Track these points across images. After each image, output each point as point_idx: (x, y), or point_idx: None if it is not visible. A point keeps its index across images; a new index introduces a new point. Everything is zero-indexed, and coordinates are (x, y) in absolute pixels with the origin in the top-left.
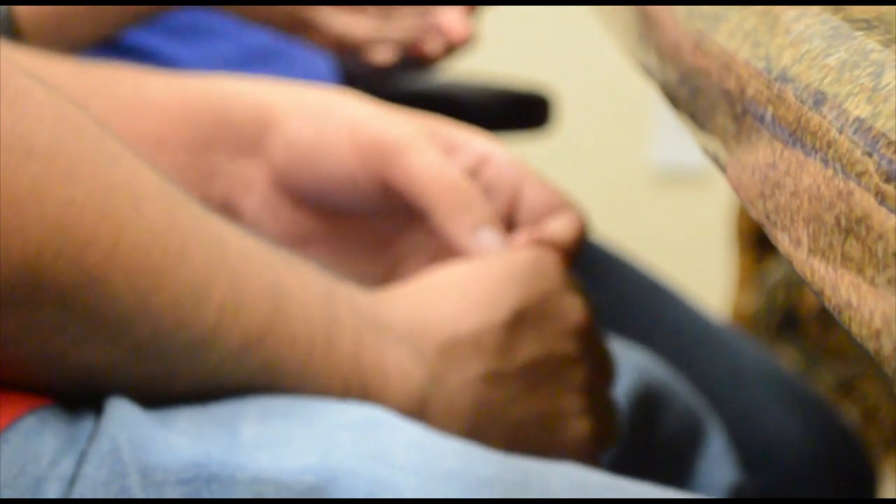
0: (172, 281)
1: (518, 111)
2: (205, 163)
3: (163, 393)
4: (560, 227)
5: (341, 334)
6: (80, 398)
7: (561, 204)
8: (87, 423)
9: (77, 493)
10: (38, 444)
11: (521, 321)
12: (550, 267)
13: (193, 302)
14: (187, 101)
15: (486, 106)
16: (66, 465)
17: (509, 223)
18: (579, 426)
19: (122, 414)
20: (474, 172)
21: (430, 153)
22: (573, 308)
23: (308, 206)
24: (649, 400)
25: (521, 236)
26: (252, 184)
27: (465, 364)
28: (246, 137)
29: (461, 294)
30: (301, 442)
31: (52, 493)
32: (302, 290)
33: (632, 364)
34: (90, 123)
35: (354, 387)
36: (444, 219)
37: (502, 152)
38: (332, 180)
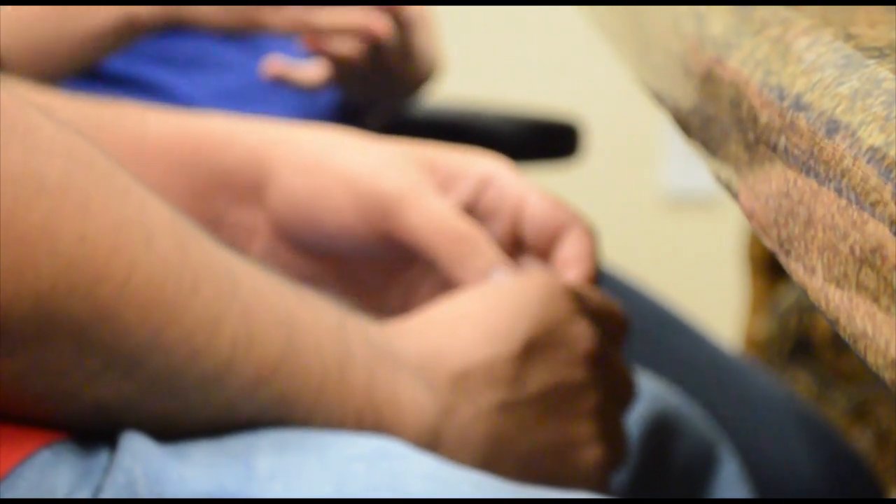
0: (185, 315)
1: (547, 141)
2: (207, 210)
3: (176, 428)
4: (572, 252)
5: (354, 367)
6: (93, 432)
7: (567, 219)
8: (101, 457)
9: None
10: (54, 478)
11: (532, 350)
12: (559, 293)
13: (206, 336)
14: (184, 145)
15: (514, 135)
16: (84, 498)
17: (516, 241)
18: (591, 453)
19: (137, 447)
20: (476, 197)
21: (428, 203)
22: (583, 334)
23: (312, 251)
24: (663, 428)
25: (534, 268)
26: (255, 231)
27: (478, 395)
28: (242, 187)
29: (472, 325)
30: (315, 473)
31: None
32: (314, 324)
33: (645, 392)
34: (100, 157)
35: (367, 419)
36: (454, 268)
37: (503, 170)
38: (333, 232)
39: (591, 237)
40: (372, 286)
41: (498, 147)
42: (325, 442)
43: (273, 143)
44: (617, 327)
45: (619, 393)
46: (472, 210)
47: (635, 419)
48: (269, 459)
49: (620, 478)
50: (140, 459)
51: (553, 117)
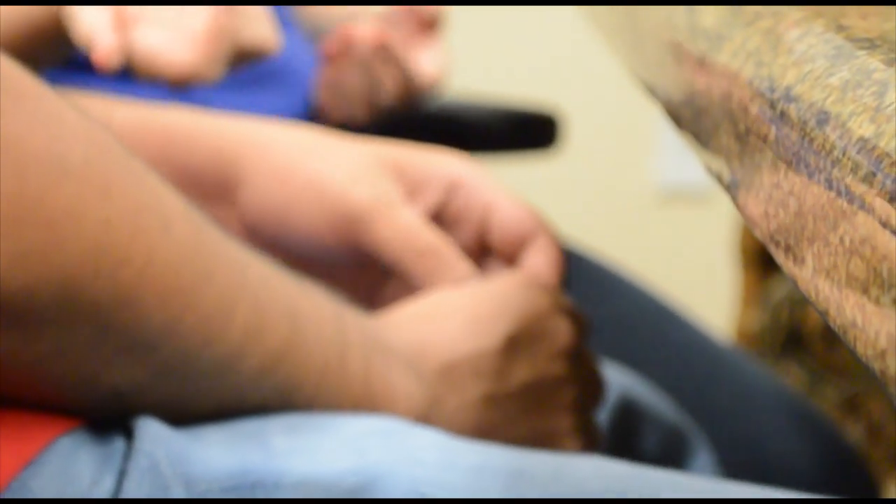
0: (200, 301)
1: (526, 132)
2: None
3: (184, 415)
4: (538, 260)
5: (352, 356)
6: (105, 419)
7: (534, 227)
8: (117, 443)
9: None
10: (76, 465)
11: (514, 345)
12: (538, 291)
13: (219, 322)
14: (150, 140)
15: (494, 127)
16: (106, 484)
17: (482, 246)
18: (571, 445)
19: (155, 431)
20: (444, 201)
21: (397, 216)
22: (562, 330)
23: (284, 252)
24: (630, 415)
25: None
26: (227, 227)
27: (463, 387)
28: (211, 185)
29: (456, 319)
30: (333, 449)
31: None
32: (315, 314)
33: (613, 382)
34: (116, 144)
35: (364, 407)
36: (424, 282)
37: (471, 174)
38: (303, 239)
39: (557, 246)
40: (343, 285)
41: (477, 138)
42: (333, 422)
43: (242, 144)
44: (584, 327)
45: (591, 389)
46: (440, 214)
47: (603, 406)
48: (284, 438)
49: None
50: (160, 442)
51: (532, 108)
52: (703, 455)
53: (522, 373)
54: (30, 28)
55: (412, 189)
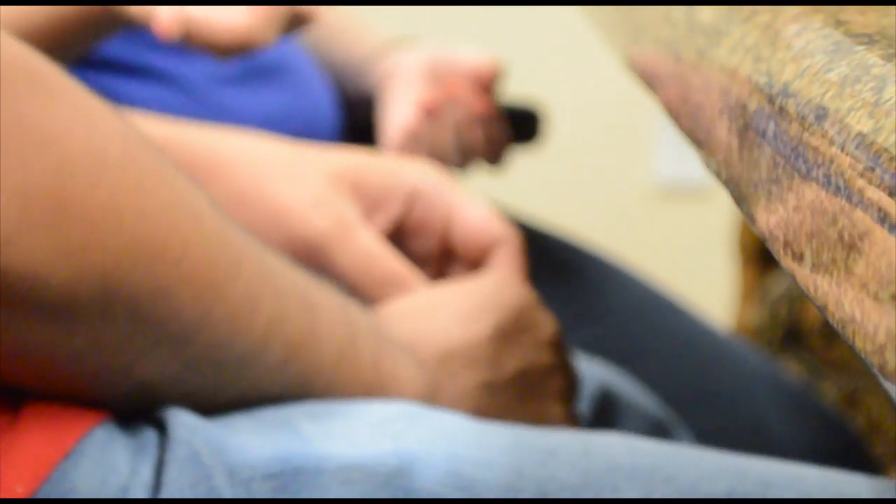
0: (230, 293)
1: (510, 126)
2: None
3: (208, 405)
4: (501, 268)
5: (361, 344)
6: (135, 412)
7: (497, 233)
8: (147, 433)
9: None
10: (113, 455)
11: (503, 335)
12: (518, 285)
13: (246, 314)
14: None
15: None
16: (144, 474)
17: (446, 253)
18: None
19: (188, 421)
20: (405, 213)
21: (356, 243)
22: (545, 321)
23: None
24: (610, 407)
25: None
26: None
27: (460, 375)
28: None
29: (446, 314)
30: (366, 433)
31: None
32: (326, 303)
33: (592, 375)
34: (147, 140)
35: (375, 392)
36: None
37: (432, 182)
38: None
39: (521, 251)
40: None
41: None
42: (354, 409)
43: (203, 163)
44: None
45: (570, 381)
46: (402, 225)
47: (584, 398)
48: (312, 425)
49: None
50: (197, 432)
51: (515, 103)
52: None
53: (514, 361)
54: (55, 25)
55: (373, 203)
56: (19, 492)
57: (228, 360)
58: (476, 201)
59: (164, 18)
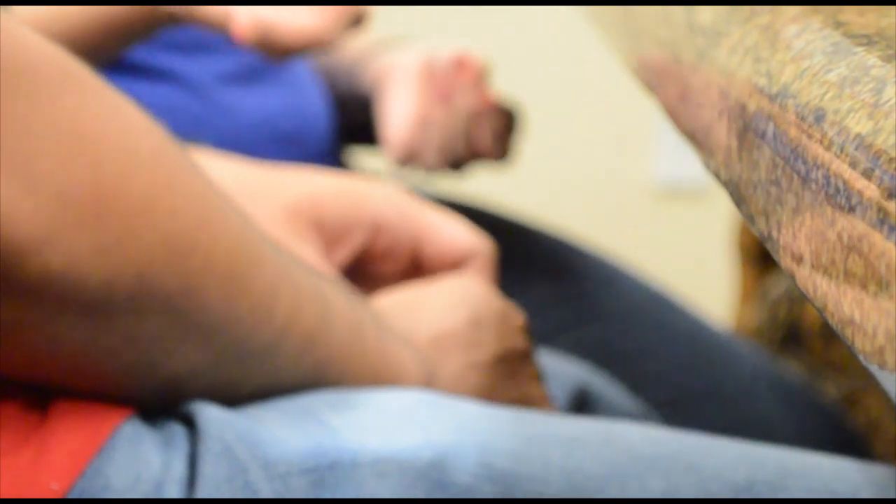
0: (253, 285)
1: None
2: None
3: (229, 397)
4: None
5: (368, 332)
6: (159, 407)
7: (467, 250)
8: (175, 428)
9: (201, 494)
10: (144, 450)
11: (479, 322)
12: (482, 284)
13: (267, 306)
14: None
15: None
16: (178, 468)
17: (418, 270)
18: (548, 411)
19: (217, 415)
20: (370, 242)
21: None
22: (513, 310)
23: None
24: (588, 406)
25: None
26: None
27: (449, 357)
28: None
29: (424, 305)
30: (393, 424)
31: (174, 496)
32: (334, 293)
33: (568, 373)
34: (171, 137)
35: (384, 378)
36: None
37: (395, 207)
38: None
39: (491, 262)
40: None
41: None
42: (371, 399)
43: None
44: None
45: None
46: (368, 253)
47: (561, 396)
48: (337, 417)
49: None
50: (228, 425)
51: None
52: None
53: (493, 344)
54: (103, 24)
55: (334, 236)
56: (55, 488)
57: (251, 351)
58: (445, 219)
59: (242, 21)
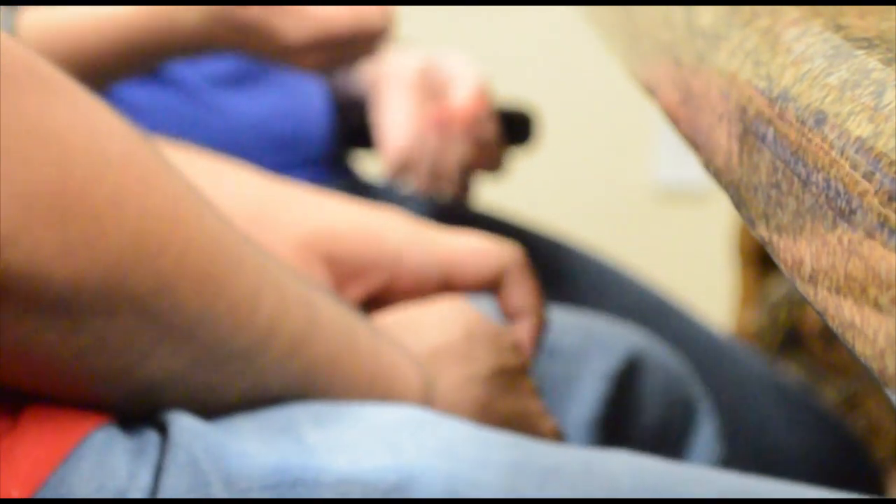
0: (231, 288)
1: (503, 129)
2: None
3: (213, 403)
4: (516, 297)
5: (360, 338)
6: (137, 414)
7: (500, 265)
8: (148, 436)
9: None
10: (112, 458)
11: (473, 337)
12: (470, 306)
13: (248, 308)
14: None
15: None
16: (143, 479)
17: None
18: (547, 425)
19: (189, 426)
20: (390, 283)
21: None
22: (504, 329)
23: None
24: (637, 376)
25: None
26: None
27: (447, 369)
28: None
29: (420, 322)
30: (367, 443)
31: None
32: (323, 300)
33: (618, 338)
34: (147, 139)
35: (378, 386)
36: None
37: (415, 246)
38: None
39: (527, 272)
40: None
41: None
42: (360, 413)
43: None
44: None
45: None
46: (391, 290)
47: (606, 370)
48: (316, 432)
49: (592, 411)
50: (198, 436)
51: (507, 106)
52: (706, 427)
53: (489, 359)
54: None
55: (349, 273)
56: (15, 495)
57: (232, 354)
58: (469, 243)
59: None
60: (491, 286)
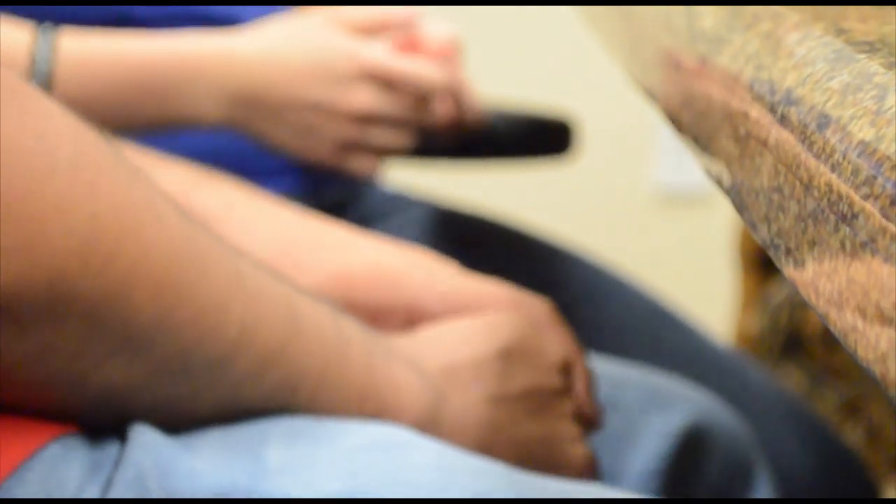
0: (194, 297)
1: (541, 138)
2: None
3: (185, 415)
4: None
5: (352, 352)
6: (104, 425)
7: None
8: (111, 450)
9: None
10: (64, 472)
11: (510, 355)
12: (528, 318)
13: (214, 318)
14: None
15: (509, 132)
16: (92, 492)
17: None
18: (576, 451)
19: (146, 440)
20: (407, 327)
21: None
22: (553, 346)
23: None
24: (699, 444)
25: None
26: None
27: (467, 386)
28: None
29: (453, 334)
30: (326, 466)
31: None
32: (311, 311)
33: (682, 401)
34: (105, 144)
35: (370, 401)
36: None
37: (431, 292)
38: None
39: (569, 336)
40: None
41: (493, 143)
42: (334, 432)
43: None
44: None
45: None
46: (410, 329)
47: (669, 429)
48: (280, 452)
49: (652, 464)
50: (150, 452)
51: (548, 115)
52: (762, 492)
53: (521, 379)
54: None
55: (366, 316)
56: None
57: (197, 365)
58: (489, 291)
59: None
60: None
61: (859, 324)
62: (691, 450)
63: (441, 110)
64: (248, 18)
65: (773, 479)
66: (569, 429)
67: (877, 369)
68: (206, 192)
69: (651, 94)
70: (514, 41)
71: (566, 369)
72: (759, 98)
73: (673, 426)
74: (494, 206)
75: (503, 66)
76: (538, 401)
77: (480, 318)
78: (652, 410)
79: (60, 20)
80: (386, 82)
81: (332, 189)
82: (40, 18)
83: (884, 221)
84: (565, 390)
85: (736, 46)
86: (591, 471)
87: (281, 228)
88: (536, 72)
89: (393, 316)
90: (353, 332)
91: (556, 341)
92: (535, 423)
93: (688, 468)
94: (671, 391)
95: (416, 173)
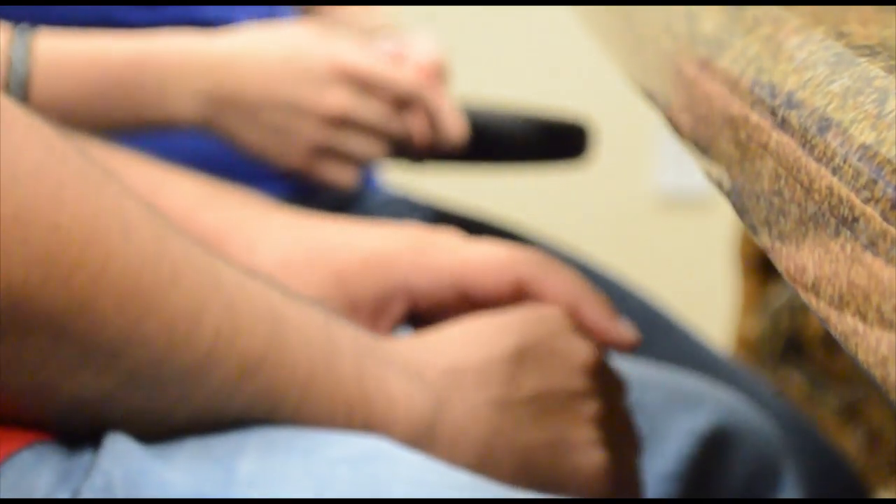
0: (163, 306)
1: (556, 142)
2: None
3: (161, 424)
4: (554, 292)
5: (342, 360)
6: (79, 433)
7: (514, 279)
8: (84, 459)
9: None
10: (34, 479)
11: (523, 357)
12: (551, 317)
13: (186, 327)
14: None
15: (524, 136)
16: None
17: (477, 306)
18: (590, 457)
19: (119, 449)
20: (412, 307)
21: None
22: (577, 347)
23: None
24: (723, 444)
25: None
26: None
27: (470, 391)
28: None
29: (463, 335)
30: (297, 478)
31: None
32: (299, 318)
33: (709, 401)
34: (73, 152)
35: (358, 412)
36: None
37: (421, 270)
38: None
39: (546, 274)
40: None
41: (507, 147)
42: (313, 443)
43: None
44: (618, 385)
45: (626, 440)
46: (416, 312)
47: (694, 428)
48: (252, 463)
49: (674, 466)
50: (120, 462)
51: (562, 118)
52: (789, 493)
53: (532, 382)
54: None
55: (373, 312)
56: None
57: (170, 374)
58: (478, 250)
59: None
60: (516, 292)
61: (860, 327)
62: (716, 450)
63: (416, 124)
64: (239, 23)
65: (802, 481)
66: (584, 434)
67: (877, 373)
68: (214, 211)
69: (651, 98)
70: (513, 45)
71: (591, 369)
72: (759, 101)
73: (697, 425)
74: (495, 208)
75: (503, 70)
76: (550, 404)
77: (498, 318)
78: (676, 411)
79: (45, 23)
80: (362, 86)
81: (328, 193)
82: (28, 21)
83: (884, 225)
84: (588, 392)
85: (736, 50)
86: (603, 480)
87: (290, 236)
88: (537, 75)
89: (393, 303)
90: (345, 341)
91: (582, 341)
92: (541, 428)
93: (711, 469)
94: (696, 391)
95: (416, 175)
